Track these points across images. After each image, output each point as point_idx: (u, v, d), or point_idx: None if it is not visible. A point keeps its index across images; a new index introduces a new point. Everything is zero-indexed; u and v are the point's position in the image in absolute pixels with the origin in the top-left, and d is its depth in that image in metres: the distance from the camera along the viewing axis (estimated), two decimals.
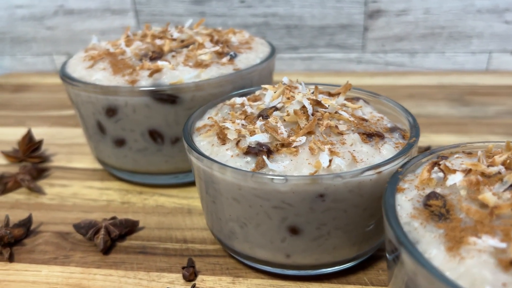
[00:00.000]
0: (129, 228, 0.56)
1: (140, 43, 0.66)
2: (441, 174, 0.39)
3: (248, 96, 0.57)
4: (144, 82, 0.58)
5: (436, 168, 0.40)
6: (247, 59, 0.64)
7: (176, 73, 0.59)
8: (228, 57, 0.63)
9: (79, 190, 0.67)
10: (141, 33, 0.74)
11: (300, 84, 0.54)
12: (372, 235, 0.47)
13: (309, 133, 0.45)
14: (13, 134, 0.86)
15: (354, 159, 0.43)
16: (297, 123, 0.46)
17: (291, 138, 0.44)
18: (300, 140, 0.43)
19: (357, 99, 0.56)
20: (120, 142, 0.62)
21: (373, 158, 0.43)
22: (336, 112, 0.48)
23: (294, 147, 0.43)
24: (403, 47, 1.07)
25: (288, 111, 0.47)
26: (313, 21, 1.06)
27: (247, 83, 0.62)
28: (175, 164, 0.63)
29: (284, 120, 0.47)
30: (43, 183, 0.69)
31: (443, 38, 1.05)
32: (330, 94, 0.56)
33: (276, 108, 0.50)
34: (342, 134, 0.46)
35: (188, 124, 0.51)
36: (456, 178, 0.36)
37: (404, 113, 0.52)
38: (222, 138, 0.47)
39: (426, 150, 0.63)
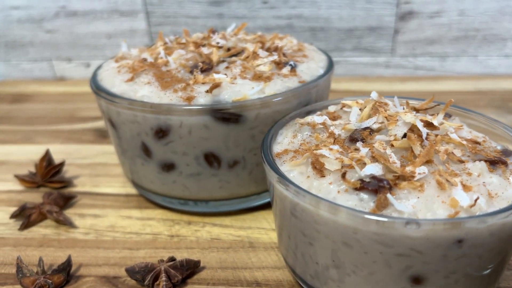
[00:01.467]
0: (190, 270, 0.48)
1: (183, 52, 0.58)
2: None
3: (321, 113, 0.50)
4: (202, 99, 0.49)
5: None
6: (309, 69, 0.57)
7: (237, 87, 0.51)
8: (289, 67, 0.55)
9: (116, 221, 0.58)
10: (174, 39, 0.65)
11: (392, 99, 0.47)
12: (493, 278, 0.40)
13: (428, 162, 0.38)
14: (22, 153, 0.76)
15: (489, 194, 0.36)
16: (408, 149, 0.39)
17: (408, 168, 0.37)
18: (424, 172, 0.36)
19: (448, 115, 0.49)
20: (169, 167, 0.54)
21: (506, 191, 0.37)
22: (446, 135, 0.42)
23: (417, 180, 0.36)
24: (434, 50, 1.01)
25: (395, 135, 0.40)
26: (341, 23, 0.99)
27: (312, 97, 0.55)
28: (231, 190, 0.56)
29: (392, 146, 0.40)
30: (71, 213, 0.60)
31: (476, 41, 0.99)
32: (416, 110, 0.49)
33: (371, 130, 0.43)
34: (462, 162, 0.39)
35: (266, 149, 0.44)
36: None
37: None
38: (319, 168, 0.39)
39: None
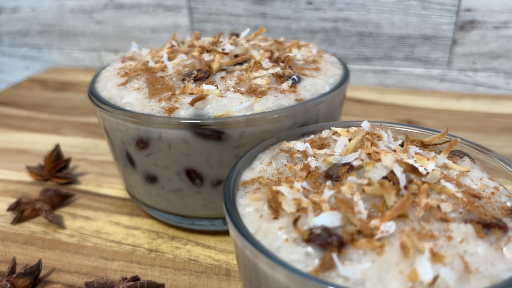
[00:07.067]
0: None
1: (185, 57, 0.54)
2: None
3: (312, 138, 0.45)
4: (184, 112, 0.46)
5: None
6: (314, 86, 0.51)
7: (224, 101, 0.47)
8: (290, 82, 0.50)
9: (103, 226, 0.57)
10: (189, 41, 0.62)
11: (386, 133, 0.40)
12: None
13: (400, 216, 0.32)
14: (46, 143, 0.78)
15: (466, 268, 0.29)
16: (382, 198, 0.33)
17: (372, 222, 0.31)
18: (388, 230, 0.30)
19: (461, 154, 0.41)
20: (151, 179, 0.51)
21: (493, 267, 0.29)
22: (437, 182, 0.35)
23: (378, 239, 0.30)
24: (499, 66, 0.89)
25: (370, 178, 0.34)
26: (392, 30, 0.90)
27: (311, 117, 0.49)
28: (216, 210, 0.52)
29: (363, 191, 0.34)
30: (65, 212, 0.59)
31: None
32: (423, 145, 0.42)
33: (351, 166, 0.37)
34: (447, 220, 0.32)
35: (232, 177, 0.39)
36: None
37: None
38: (275, 208, 0.34)
39: None
